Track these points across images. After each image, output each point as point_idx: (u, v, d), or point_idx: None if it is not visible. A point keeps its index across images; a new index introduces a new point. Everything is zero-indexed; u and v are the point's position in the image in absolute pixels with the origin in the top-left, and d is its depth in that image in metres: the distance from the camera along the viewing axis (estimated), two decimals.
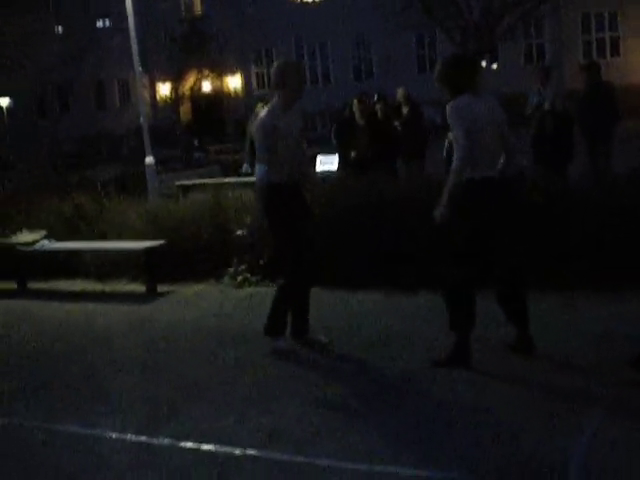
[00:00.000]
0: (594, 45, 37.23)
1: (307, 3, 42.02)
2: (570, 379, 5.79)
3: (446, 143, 10.87)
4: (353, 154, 13.11)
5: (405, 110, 13.34)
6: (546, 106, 11.56)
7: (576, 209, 8.19)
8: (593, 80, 12.05)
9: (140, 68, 16.51)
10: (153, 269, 9.88)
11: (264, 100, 14.86)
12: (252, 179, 12.62)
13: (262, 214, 7.11)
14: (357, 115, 13.23)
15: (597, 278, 7.68)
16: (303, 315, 7.08)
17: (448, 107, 6.02)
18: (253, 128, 7.02)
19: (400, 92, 13.60)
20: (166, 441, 5.37)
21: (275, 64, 7.00)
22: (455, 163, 5.93)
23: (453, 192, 5.92)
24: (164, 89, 43.34)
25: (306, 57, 42.45)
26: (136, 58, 16.20)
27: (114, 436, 5.56)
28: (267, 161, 6.69)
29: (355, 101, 13.39)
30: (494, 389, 5.73)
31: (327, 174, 12.68)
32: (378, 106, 13.33)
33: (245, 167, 14.35)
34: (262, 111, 6.97)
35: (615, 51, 36.86)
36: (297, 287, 7.00)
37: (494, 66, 29.94)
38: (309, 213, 7.09)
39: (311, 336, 7.09)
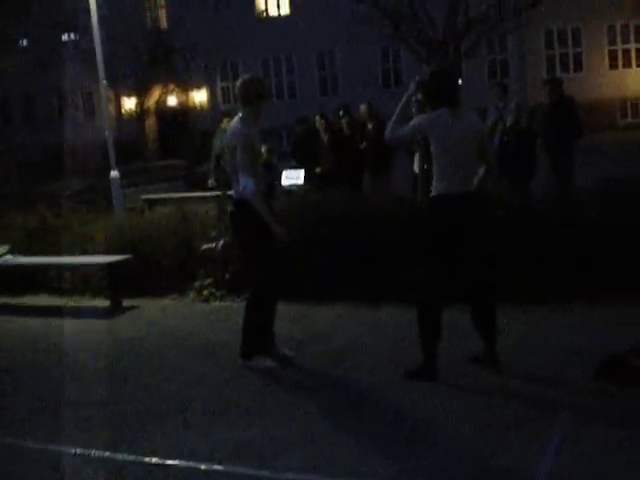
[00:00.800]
0: (557, 60, 37.60)
1: (273, 17, 42.10)
2: (535, 391, 5.86)
3: (416, 160, 10.97)
4: (317, 169, 13.20)
5: (370, 126, 13.41)
6: (508, 121, 11.67)
7: (539, 223, 8.29)
8: (556, 95, 12.19)
9: (104, 81, 16.44)
10: (118, 283, 9.84)
11: (229, 115, 14.87)
12: (216, 193, 12.76)
13: (236, 228, 7.06)
14: (321, 131, 13.33)
15: (561, 291, 7.78)
16: (268, 328, 7.08)
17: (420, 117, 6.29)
18: (227, 142, 6.98)
19: (363, 108, 13.65)
20: (131, 457, 5.35)
21: (239, 80, 7.03)
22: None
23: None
24: (129, 103, 43.13)
25: (272, 71, 42.49)
26: (100, 71, 16.15)
27: (78, 452, 5.52)
28: (252, 173, 6.68)
29: (317, 117, 13.49)
30: (460, 401, 5.77)
31: (293, 188, 12.74)
32: (344, 121, 13.39)
33: (211, 182, 14.37)
34: (232, 125, 6.94)
35: (578, 67, 37.25)
36: (266, 303, 6.99)
37: (459, 82, 30.18)
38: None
39: (276, 350, 7.09)
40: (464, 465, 4.80)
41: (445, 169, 6.09)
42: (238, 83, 7.01)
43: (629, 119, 36.40)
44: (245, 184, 6.67)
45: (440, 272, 6.18)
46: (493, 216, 7.56)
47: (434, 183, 6.18)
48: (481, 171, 6.29)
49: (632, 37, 36.96)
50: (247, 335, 7.02)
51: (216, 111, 36.03)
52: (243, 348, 7.04)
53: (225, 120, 14.66)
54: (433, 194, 6.20)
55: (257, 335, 7.01)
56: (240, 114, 6.89)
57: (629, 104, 36.82)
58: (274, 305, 7.08)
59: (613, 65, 37.29)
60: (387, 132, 6.46)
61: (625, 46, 37.09)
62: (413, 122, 6.31)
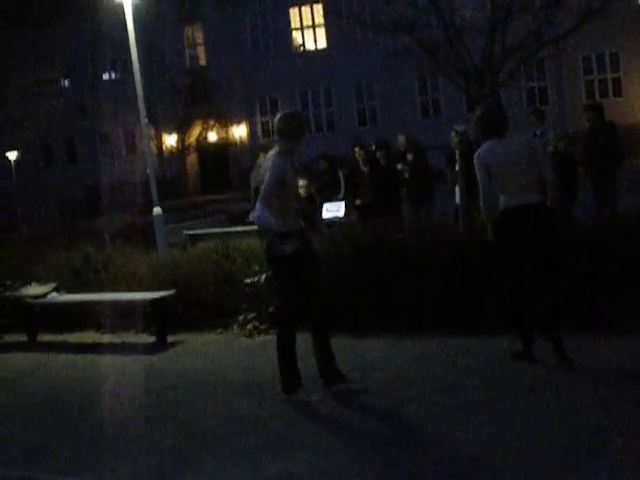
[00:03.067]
0: (596, 86, 37.43)
1: (310, 51, 42.43)
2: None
3: (457, 191, 11.04)
4: (358, 201, 13.24)
5: (410, 157, 13.43)
6: (548, 148, 11.62)
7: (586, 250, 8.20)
8: (596, 121, 12.14)
9: (146, 119, 16.64)
10: (162, 319, 9.89)
11: (265, 149, 14.93)
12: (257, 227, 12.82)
13: (268, 259, 7.08)
14: (360, 162, 13.39)
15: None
16: (329, 362, 7.04)
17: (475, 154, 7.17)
18: (261, 175, 7.03)
19: (401, 140, 13.69)
20: None
21: (278, 114, 7.09)
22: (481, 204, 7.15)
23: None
24: (170, 140, 43.64)
25: (310, 104, 42.74)
26: (142, 109, 16.37)
27: None
28: (275, 207, 6.71)
29: (357, 149, 13.55)
30: (515, 427, 5.71)
31: (334, 220, 12.76)
32: (379, 154, 13.42)
33: (251, 216, 14.42)
34: (268, 158, 6.99)
35: (617, 91, 37.04)
36: (291, 336, 6.97)
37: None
38: (316, 260, 7.14)
39: (345, 384, 7.01)
40: None
41: (505, 187, 6.99)
42: (277, 117, 7.06)
43: None
44: (259, 211, 6.69)
45: (518, 271, 7.00)
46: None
47: (500, 202, 7.01)
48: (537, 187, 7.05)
49: None
50: (281, 369, 7.02)
51: (255, 146, 36.26)
52: (282, 383, 7.02)
53: (261, 154, 14.78)
54: (500, 210, 7.01)
55: (289, 367, 6.98)
56: (277, 148, 6.93)
57: None
58: (326, 338, 7.04)
59: None
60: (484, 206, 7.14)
61: None
62: (478, 172, 7.12)
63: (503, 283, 7.26)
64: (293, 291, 6.83)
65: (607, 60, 37.33)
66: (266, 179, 6.76)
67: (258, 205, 6.71)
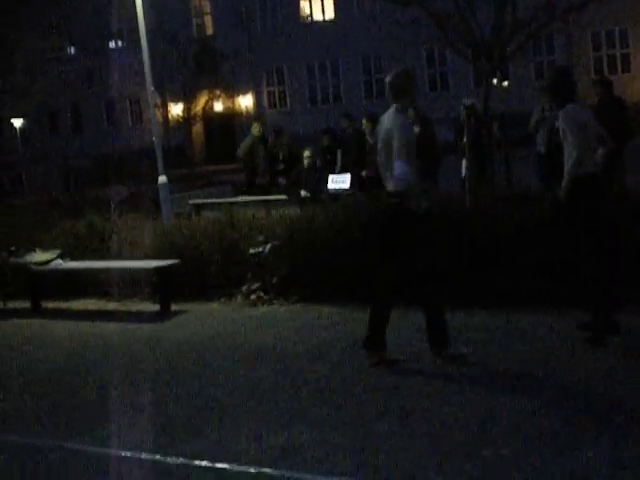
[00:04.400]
0: (605, 61, 37.22)
1: (318, 22, 42.17)
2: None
3: (464, 164, 10.98)
4: (364, 172, 13.18)
5: (416, 129, 13.33)
6: (556, 123, 11.54)
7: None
8: (605, 96, 12.04)
9: (152, 87, 16.55)
10: (166, 288, 9.90)
11: (260, 120, 15.00)
12: (265, 198, 12.81)
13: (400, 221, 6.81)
14: (367, 134, 13.32)
15: None
16: (440, 330, 6.88)
17: (562, 113, 6.99)
18: (382, 134, 6.87)
19: (410, 112, 13.60)
20: (181, 460, 5.38)
21: (391, 74, 7.00)
22: (571, 162, 6.84)
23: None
24: (176, 109, 43.50)
25: (317, 76, 42.55)
26: (148, 77, 16.26)
27: (129, 455, 5.56)
28: (408, 161, 6.69)
29: (364, 120, 13.48)
30: (485, 399, 5.72)
31: (339, 192, 12.72)
32: None
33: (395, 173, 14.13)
34: (388, 118, 6.88)
35: (626, 67, 36.82)
36: (386, 300, 6.91)
37: (505, 83, 29.94)
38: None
39: (451, 351, 6.89)
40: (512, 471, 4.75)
41: (585, 154, 6.83)
42: (389, 78, 6.97)
43: None
44: (402, 169, 6.64)
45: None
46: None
47: (572, 169, 6.83)
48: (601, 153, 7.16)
49: None
50: (369, 325, 6.91)
51: (261, 116, 36.14)
52: (366, 338, 6.92)
53: (256, 125, 14.72)
54: (578, 176, 6.82)
55: (374, 329, 6.86)
56: (394, 107, 6.85)
57: None
58: (439, 307, 6.90)
59: None
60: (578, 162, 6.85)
61: None
62: (571, 129, 6.87)
63: (591, 253, 6.92)
64: (424, 247, 6.76)
65: (616, 36, 37.10)
66: (398, 137, 6.68)
67: (398, 163, 6.64)
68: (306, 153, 13.59)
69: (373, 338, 6.89)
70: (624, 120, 11.93)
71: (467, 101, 11.62)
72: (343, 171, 13.61)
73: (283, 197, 12.84)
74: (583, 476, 4.58)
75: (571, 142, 6.86)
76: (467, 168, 11.28)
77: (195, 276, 10.03)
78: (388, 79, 6.98)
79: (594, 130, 7.08)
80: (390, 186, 6.81)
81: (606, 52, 37.38)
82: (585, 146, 6.86)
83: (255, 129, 14.59)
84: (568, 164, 6.89)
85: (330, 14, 41.98)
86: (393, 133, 6.72)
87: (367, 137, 13.45)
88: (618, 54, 37.28)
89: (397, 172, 6.63)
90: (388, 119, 6.88)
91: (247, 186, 14.94)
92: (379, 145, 6.92)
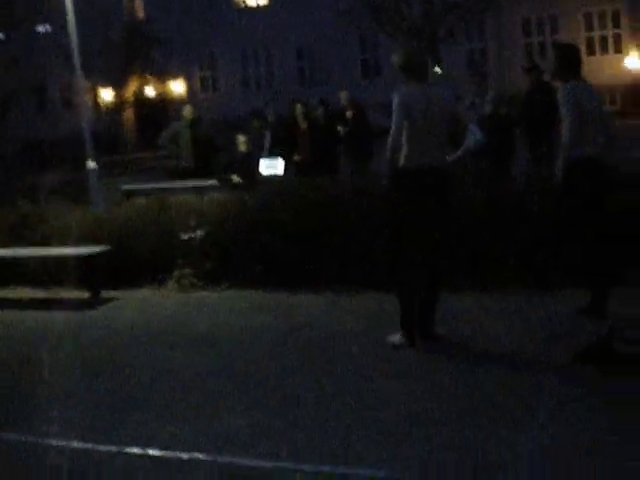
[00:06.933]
0: (536, 48, 37.67)
1: (252, 8, 41.97)
2: (515, 374, 5.87)
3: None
4: (296, 157, 13.20)
5: (349, 114, 13.39)
6: (487, 109, 11.66)
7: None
8: (535, 82, 12.18)
9: (80, 72, 16.31)
10: (96, 275, 9.77)
11: (191, 104, 14.79)
12: (195, 183, 12.68)
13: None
14: (300, 119, 13.34)
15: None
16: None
17: (561, 89, 6.90)
18: (442, 108, 6.66)
19: (343, 95, 13.64)
20: (111, 447, 5.32)
21: (400, 52, 6.87)
22: (564, 142, 6.75)
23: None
24: (106, 94, 42.91)
25: (250, 61, 42.38)
26: (76, 61, 16.04)
27: (59, 443, 5.48)
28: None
29: (298, 105, 13.47)
30: (427, 383, 5.77)
31: (272, 177, 12.70)
32: (319, 110, 13.40)
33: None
34: (443, 93, 6.83)
35: None
36: (406, 283, 6.77)
37: (438, 69, 30.18)
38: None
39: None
40: (441, 453, 4.80)
41: (582, 134, 6.71)
42: (398, 56, 6.83)
43: (607, 107, 36.46)
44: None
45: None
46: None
47: (565, 149, 6.76)
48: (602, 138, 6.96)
49: (609, 24, 37.11)
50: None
51: (194, 102, 35.84)
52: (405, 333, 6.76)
53: (188, 109, 14.41)
54: (575, 158, 6.72)
55: (403, 312, 6.76)
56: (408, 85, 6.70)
57: (606, 92, 36.89)
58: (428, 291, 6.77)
59: (590, 52, 37.39)
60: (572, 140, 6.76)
61: (602, 32, 37.24)
62: (568, 107, 6.75)
63: (580, 234, 6.93)
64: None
65: (547, 22, 37.59)
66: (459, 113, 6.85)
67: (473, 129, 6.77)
68: (240, 138, 13.49)
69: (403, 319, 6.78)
70: (554, 106, 12.09)
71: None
72: (272, 155, 13.55)
73: (214, 183, 12.76)
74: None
75: (565, 120, 6.77)
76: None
77: (126, 263, 9.91)
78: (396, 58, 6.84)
79: (596, 113, 6.90)
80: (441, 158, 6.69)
81: (537, 39, 37.85)
82: (580, 126, 6.70)
83: (187, 112, 14.23)
84: (562, 145, 6.84)
85: (264, 0, 41.83)
86: (451, 104, 6.79)
87: (300, 123, 13.47)
88: (548, 41, 37.79)
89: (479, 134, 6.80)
90: (445, 94, 6.84)
91: (175, 172, 14.71)
92: (419, 122, 6.52)
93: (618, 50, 37.50)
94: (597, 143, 6.87)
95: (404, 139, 6.50)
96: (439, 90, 6.88)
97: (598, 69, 36.38)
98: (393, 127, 6.54)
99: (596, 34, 37.37)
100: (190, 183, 12.83)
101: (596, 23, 37.35)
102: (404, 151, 6.51)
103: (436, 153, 6.59)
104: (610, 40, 37.33)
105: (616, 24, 37.23)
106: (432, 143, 6.55)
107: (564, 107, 6.80)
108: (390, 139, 6.57)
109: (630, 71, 37.07)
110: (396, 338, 6.75)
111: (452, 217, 6.92)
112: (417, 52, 7.01)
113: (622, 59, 37.22)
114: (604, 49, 37.44)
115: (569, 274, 7.40)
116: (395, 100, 6.55)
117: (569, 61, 7.03)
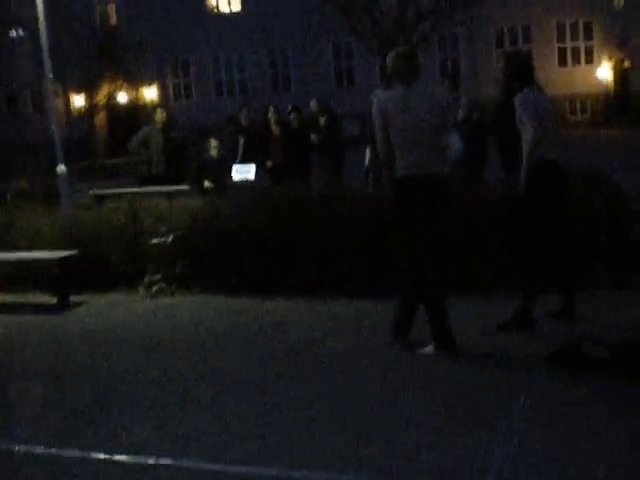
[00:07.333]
0: None
1: (224, 14, 41.94)
2: (488, 376, 5.86)
3: (367, 153, 11.04)
4: (269, 163, 13.16)
5: (322, 120, 13.35)
6: (460, 115, 11.67)
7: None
8: (507, 91, 12.19)
9: (51, 76, 16.17)
10: (65, 280, 9.66)
11: (163, 107, 14.66)
12: (165, 188, 12.57)
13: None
14: (272, 124, 13.30)
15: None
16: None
17: (518, 98, 6.84)
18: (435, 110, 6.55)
19: (312, 104, 13.59)
20: (77, 453, 5.23)
21: (393, 53, 6.76)
22: (526, 148, 6.71)
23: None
24: (78, 99, 42.66)
25: (223, 68, 42.33)
26: (47, 66, 15.91)
27: (22, 449, 5.39)
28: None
29: (271, 108, 13.43)
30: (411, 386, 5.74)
31: (244, 183, 12.66)
32: (292, 116, 13.35)
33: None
34: (438, 94, 6.73)
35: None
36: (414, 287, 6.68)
37: None
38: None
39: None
40: (414, 455, 4.76)
41: (544, 139, 6.72)
42: (392, 56, 6.74)
43: (578, 117, 36.81)
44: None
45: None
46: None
47: (528, 155, 6.70)
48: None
49: (581, 35, 37.44)
50: (439, 327, 6.60)
51: (167, 107, 35.73)
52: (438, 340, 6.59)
53: (159, 112, 14.18)
54: (537, 161, 6.72)
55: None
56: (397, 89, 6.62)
57: (578, 102, 37.23)
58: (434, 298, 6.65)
59: (562, 62, 37.72)
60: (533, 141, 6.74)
61: (574, 44, 37.55)
62: (526, 112, 6.74)
63: (526, 240, 6.94)
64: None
65: (520, 32, 37.86)
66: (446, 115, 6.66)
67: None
68: (213, 143, 13.40)
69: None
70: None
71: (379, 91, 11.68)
72: (244, 161, 13.48)
73: (185, 187, 12.68)
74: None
75: (526, 125, 6.73)
76: (369, 159, 11.37)
77: (95, 267, 9.80)
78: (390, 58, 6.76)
79: (553, 119, 6.98)
80: (439, 164, 6.54)
81: (510, 48, 38.08)
82: (541, 132, 6.71)
83: (158, 115, 13.96)
84: (525, 151, 6.79)
85: (237, 6, 41.81)
86: (445, 108, 6.63)
87: (272, 128, 13.43)
88: (522, 49, 38.05)
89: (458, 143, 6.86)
90: (438, 95, 6.72)
91: (146, 177, 14.57)
92: (409, 123, 6.40)
93: (590, 61, 37.88)
94: (556, 147, 6.93)
95: (395, 147, 6.46)
96: (429, 88, 6.75)
97: (570, 79, 36.74)
98: (377, 134, 6.52)
99: (568, 45, 37.68)
100: (161, 188, 12.74)
101: (568, 34, 37.68)
102: (397, 158, 6.47)
103: (431, 157, 6.46)
104: (582, 51, 37.66)
105: (588, 35, 37.57)
106: (425, 147, 6.42)
107: (523, 114, 6.78)
108: (378, 146, 6.59)
109: (601, 81, 37.45)
110: (429, 348, 6.57)
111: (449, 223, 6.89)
112: (406, 53, 6.75)
113: (594, 70, 37.59)
114: (576, 60, 37.77)
115: (530, 278, 7.35)
116: (373, 106, 6.52)
117: (520, 70, 7.07)
